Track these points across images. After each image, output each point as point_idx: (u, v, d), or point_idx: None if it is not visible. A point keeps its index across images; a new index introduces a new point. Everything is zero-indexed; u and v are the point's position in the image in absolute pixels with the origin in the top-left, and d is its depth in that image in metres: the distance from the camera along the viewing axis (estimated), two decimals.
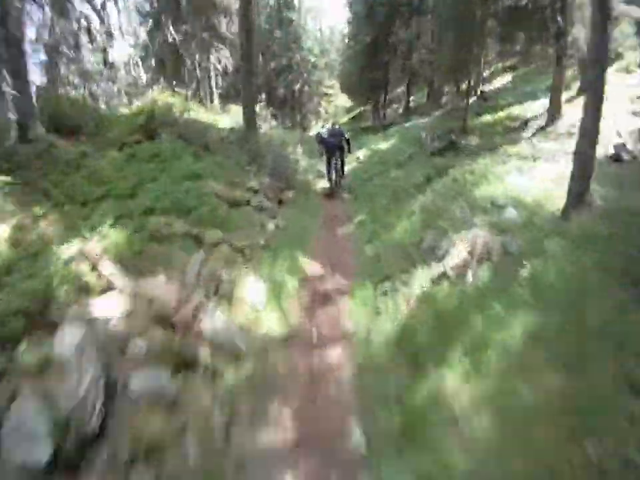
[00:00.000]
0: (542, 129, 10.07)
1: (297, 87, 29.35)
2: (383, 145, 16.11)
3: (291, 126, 30.53)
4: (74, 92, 15.44)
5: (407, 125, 18.96)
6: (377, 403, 3.19)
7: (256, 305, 4.27)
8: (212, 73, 21.46)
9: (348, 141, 10.28)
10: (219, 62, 22.68)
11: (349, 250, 6.68)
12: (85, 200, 5.04)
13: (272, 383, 3.54)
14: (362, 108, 43.36)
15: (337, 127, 10.66)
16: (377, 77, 25.67)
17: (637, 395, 2.30)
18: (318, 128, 24.68)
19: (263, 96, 33.79)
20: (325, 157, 10.22)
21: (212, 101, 22.40)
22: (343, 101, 48.73)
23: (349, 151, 10.61)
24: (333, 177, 10.23)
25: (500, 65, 29.69)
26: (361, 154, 16.44)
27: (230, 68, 23.05)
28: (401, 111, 29.68)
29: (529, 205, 5.36)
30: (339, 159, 10.18)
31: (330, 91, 35.35)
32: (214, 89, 22.40)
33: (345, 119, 46.12)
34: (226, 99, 23.57)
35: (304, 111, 31.81)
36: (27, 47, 6.83)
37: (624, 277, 3.08)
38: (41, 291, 3.20)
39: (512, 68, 23.17)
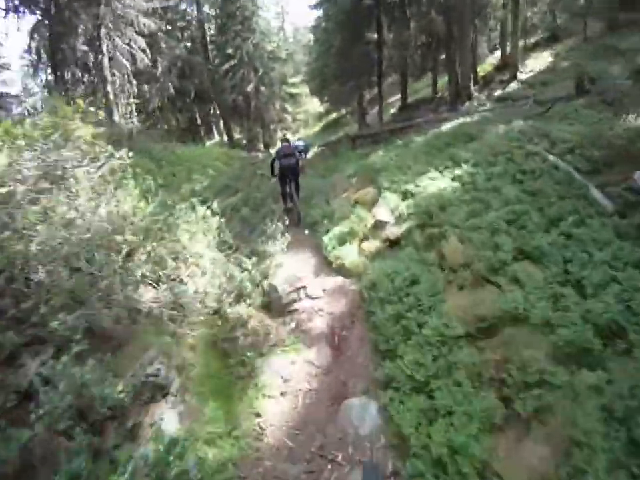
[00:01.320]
0: None
1: (250, 87, 20.78)
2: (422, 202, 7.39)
3: (247, 144, 21.93)
4: None
5: (445, 127, 10.62)
6: None
7: None
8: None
9: (301, 154, 9.89)
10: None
11: None
12: None
13: None
14: (341, 111, 34.99)
15: (286, 143, 8.91)
16: (362, 62, 17.42)
17: None
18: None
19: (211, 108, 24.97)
20: (280, 182, 8.63)
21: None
22: (314, 106, 40.69)
23: (302, 168, 9.21)
24: (289, 203, 8.71)
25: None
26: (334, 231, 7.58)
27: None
28: (394, 110, 21.45)
29: None
30: (293, 181, 8.51)
31: (295, 90, 26.76)
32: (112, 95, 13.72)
33: (316, 128, 37.54)
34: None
35: (266, 121, 23.07)
36: None
37: None
38: None
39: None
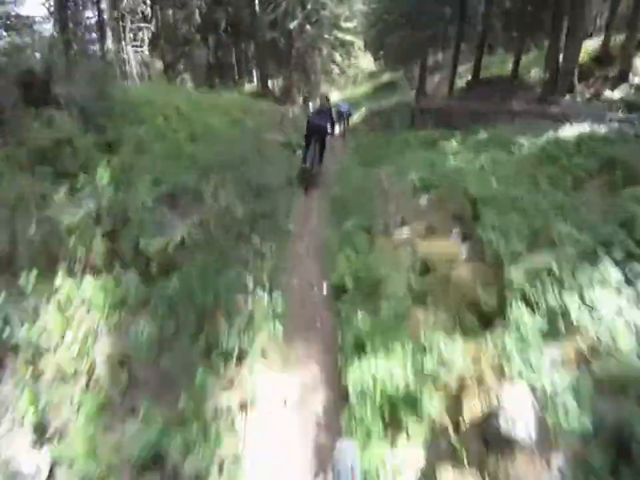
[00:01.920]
0: None
1: (294, 24, 16.86)
2: None
3: (281, 95, 18.33)
4: None
5: (565, 133, 6.37)
6: None
7: None
8: None
9: (332, 123, 8.26)
10: None
11: None
12: None
13: None
14: (396, 74, 30.57)
15: (325, 103, 8.55)
16: (434, 13, 13.41)
17: None
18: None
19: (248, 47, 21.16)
20: (305, 140, 7.93)
21: None
22: (366, 62, 36.03)
23: (332, 133, 8.40)
24: (309, 163, 7.71)
25: None
26: None
27: None
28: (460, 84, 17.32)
29: None
30: (318, 144, 7.85)
31: (348, 37, 22.32)
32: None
33: (365, 89, 33.17)
34: None
35: (308, 70, 19.13)
36: None
37: None
38: None
39: None
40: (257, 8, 17.82)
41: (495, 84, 17.00)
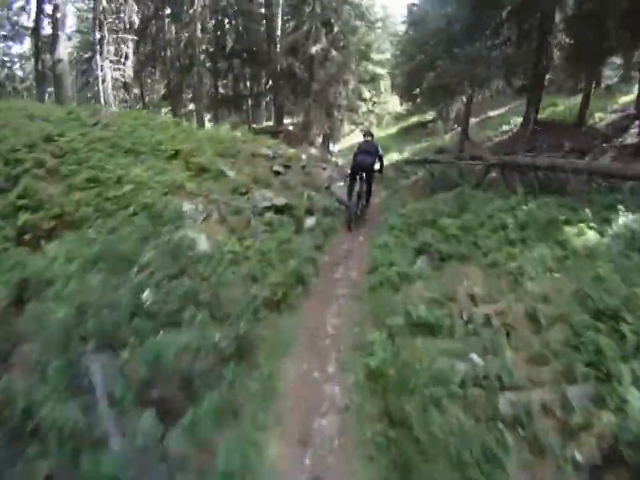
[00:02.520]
0: None
1: (316, 48, 13.70)
2: None
3: (299, 132, 15.18)
4: None
5: None
6: None
7: None
8: None
9: (381, 159, 7.80)
10: None
11: None
12: None
13: None
14: (425, 116, 27.68)
15: (369, 138, 8.00)
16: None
17: None
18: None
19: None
20: (350, 177, 7.66)
21: None
22: (392, 104, 33.32)
23: (381, 171, 8.06)
24: (354, 202, 7.33)
25: None
26: None
27: None
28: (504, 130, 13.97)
29: None
30: (365, 182, 7.50)
31: (379, 71, 19.24)
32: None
33: (391, 130, 30.18)
34: None
35: (332, 104, 15.84)
36: None
37: None
38: None
39: None
40: (277, 29, 15.02)
41: (557, 130, 13.43)
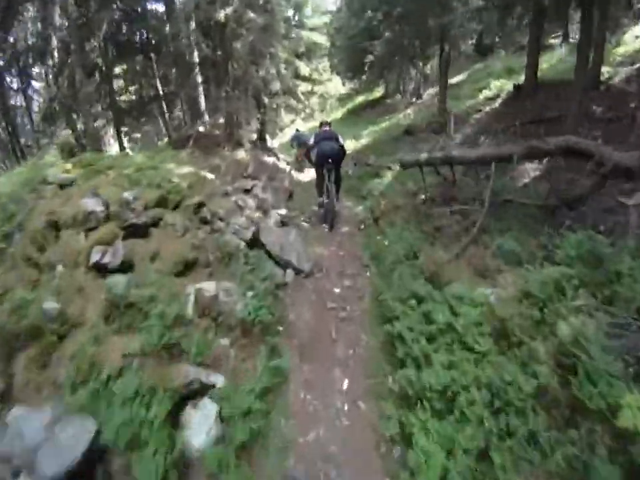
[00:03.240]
0: None
1: (225, 12, 9.45)
2: None
3: (223, 138, 10.94)
4: None
5: None
6: None
7: None
8: None
9: (344, 148, 7.14)
10: None
11: None
12: None
13: None
14: (375, 94, 24.51)
15: (327, 127, 7.53)
16: None
17: None
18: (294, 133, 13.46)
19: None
20: (316, 171, 7.27)
21: None
22: (333, 86, 29.60)
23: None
24: (331, 199, 6.79)
25: None
26: None
27: None
28: (513, 85, 10.51)
29: None
30: (334, 173, 6.89)
31: (316, 39, 15.35)
32: None
33: (336, 116, 26.70)
34: None
35: (257, 91, 11.52)
36: None
37: None
38: None
39: None
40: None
41: (568, 93, 9.72)
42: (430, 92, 19.16)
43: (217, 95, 11.91)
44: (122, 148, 14.63)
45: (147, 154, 8.70)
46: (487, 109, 12.00)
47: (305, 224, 7.02)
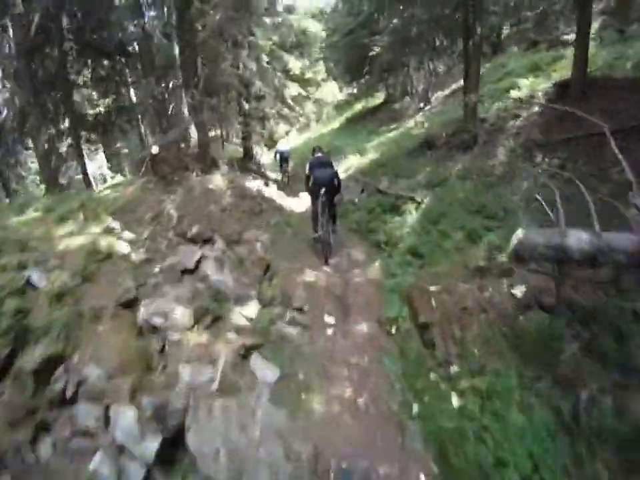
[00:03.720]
0: None
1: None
2: None
3: (191, 158, 8.36)
4: None
5: None
6: None
7: None
8: None
9: (337, 175, 6.67)
10: None
11: None
12: None
13: None
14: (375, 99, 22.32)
15: (320, 154, 7.09)
16: None
17: None
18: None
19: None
20: (311, 201, 6.81)
21: None
22: (330, 92, 27.52)
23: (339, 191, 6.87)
24: (326, 230, 6.30)
25: None
26: None
27: None
28: (555, 83, 7.99)
29: None
30: (330, 202, 6.50)
31: (312, 27, 13.18)
32: None
33: (333, 125, 24.48)
34: None
35: (235, 94, 8.97)
36: None
37: None
38: None
39: None
40: None
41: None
42: (439, 95, 16.73)
43: (186, 102, 9.40)
44: (85, 175, 12.04)
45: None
46: (525, 114, 9.48)
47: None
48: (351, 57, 18.96)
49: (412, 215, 6.48)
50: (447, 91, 16.87)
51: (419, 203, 6.67)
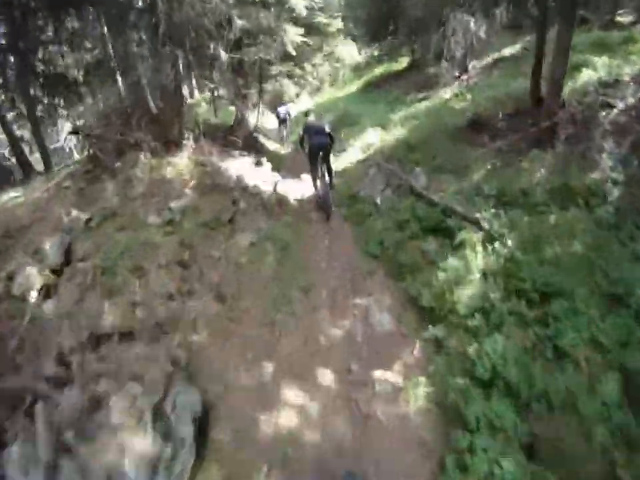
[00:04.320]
0: None
1: None
2: None
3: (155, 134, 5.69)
4: None
5: None
6: None
7: None
8: None
9: (332, 138, 7.10)
10: None
11: None
12: None
13: None
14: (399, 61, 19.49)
15: (313, 118, 7.48)
16: None
17: None
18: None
19: None
20: (310, 161, 7.07)
21: None
22: (348, 52, 24.41)
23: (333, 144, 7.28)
24: (326, 188, 6.63)
25: None
26: None
27: None
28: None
29: None
30: (326, 162, 6.97)
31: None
32: None
33: (349, 88, 21.85)
34: None
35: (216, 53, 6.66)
36: None
37: None
38: None
39: None
40: None
41: None
42: (475, 65, 13.67)
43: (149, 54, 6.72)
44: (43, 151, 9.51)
45: None
46: (622, 104, 6.64)
47: None
48: (373, 12, 16.47)
49: (477, 259, 3.88)
50: (485, 61, 13.88)
51: (491, 236, 4.07)
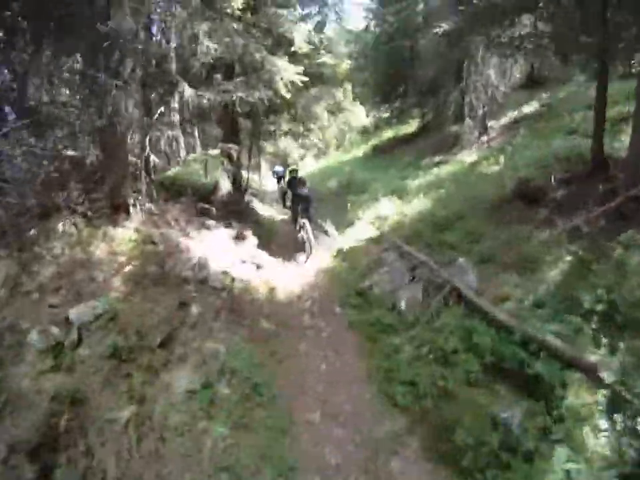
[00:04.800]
0: None
1: None
2: None
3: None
4: None
5: None
6: None
7: None
8: None
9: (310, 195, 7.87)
10: None
11: None
12: None
13: None
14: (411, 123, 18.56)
15: (298, 176, 9.35)
16: None
17: None
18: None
19: None
20: (292, 209, 8.22)
21: None
22: (355, 116, 23.70)
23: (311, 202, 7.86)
24: (302, 228, 7.18)
25: None
26: None
27: None
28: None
29: None
30: (307, 210, 7.49)
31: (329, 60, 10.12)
32: None
33: (355, 152, 20.81)
34: None
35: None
36: None
37: None
38: None
39: None
40: None
41: None
42: (493, 125, 12.33)
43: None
44: None
45: None
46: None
47: None
48: (383, 74, 16.25)
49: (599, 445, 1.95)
50: (503, 120, 12.60)
51: (619, 398, 2.14)
